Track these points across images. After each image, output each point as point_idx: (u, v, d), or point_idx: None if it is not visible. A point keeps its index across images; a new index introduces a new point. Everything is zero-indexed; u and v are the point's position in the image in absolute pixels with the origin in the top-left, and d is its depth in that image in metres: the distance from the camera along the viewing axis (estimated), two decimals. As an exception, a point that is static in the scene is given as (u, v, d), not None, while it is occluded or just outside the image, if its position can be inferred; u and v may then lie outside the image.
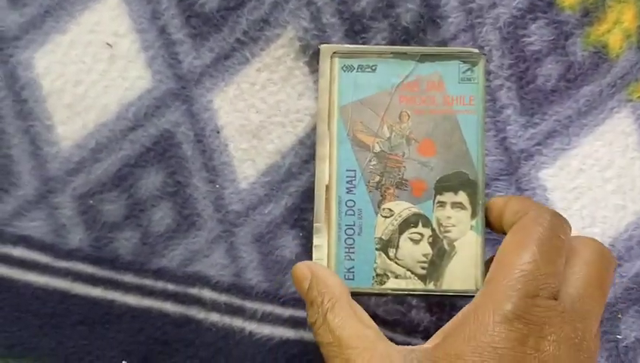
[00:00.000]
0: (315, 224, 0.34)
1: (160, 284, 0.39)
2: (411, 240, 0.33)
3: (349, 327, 0.29)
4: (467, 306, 0.29)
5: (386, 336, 0.38)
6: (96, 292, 0.39)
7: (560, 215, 0.30)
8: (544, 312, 0.27)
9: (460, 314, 0.29)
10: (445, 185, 0.33)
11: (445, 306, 0.39)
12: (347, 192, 0.34)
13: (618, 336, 0.38)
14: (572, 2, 0.39)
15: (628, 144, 0.39)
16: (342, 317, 0.30)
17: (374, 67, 0.34)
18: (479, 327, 0.27)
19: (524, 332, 0.26)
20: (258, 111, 0.39)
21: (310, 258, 0.34)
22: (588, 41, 0.39)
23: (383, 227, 0.34)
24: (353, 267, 0.33)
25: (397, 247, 0.33)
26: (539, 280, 0.27)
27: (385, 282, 0.33)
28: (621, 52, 0.39)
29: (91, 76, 0.40)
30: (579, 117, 0.39)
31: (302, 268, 0.32)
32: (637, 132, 0.39)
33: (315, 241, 0.34)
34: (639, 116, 0.39)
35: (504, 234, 0.31)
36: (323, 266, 0.33)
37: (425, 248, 0.33)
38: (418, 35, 0.39)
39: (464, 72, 0.34)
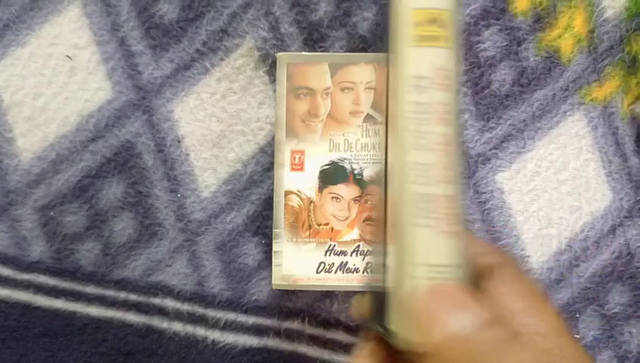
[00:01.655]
0: (274, 230, 0.35)
1: (122, 295, 0.39)
2: None
3: None
4: None
5: (348, 342, 0.39)
6: (58, 304, 0.39)
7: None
8: None
9: None
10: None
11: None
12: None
13: (576, 336, 0.39)
14: (524, 8, 0.40)
15: (582, 146, 0.40)
16: None
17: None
18: None
19: None
20: (219, 120, 0.40)
21: (271, 264, 0.34)
22: (541, 47, 0.40)
23: None
24: None
25: None
26: None
27: None
28: (572, 56, 0.40)
29: (52, 88, 0.40)
30: (534, 121, 0.40)
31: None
32: (590, 135, 0.40)
33: (275, 247, 0.34)
34: (592, 119, 0.40)
35: None
36: None
37: None
38: (375, 43, 0.40)
39: None
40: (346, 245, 0.34)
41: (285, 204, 0.35)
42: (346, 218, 0.35)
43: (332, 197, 0.35)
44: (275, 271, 0.34)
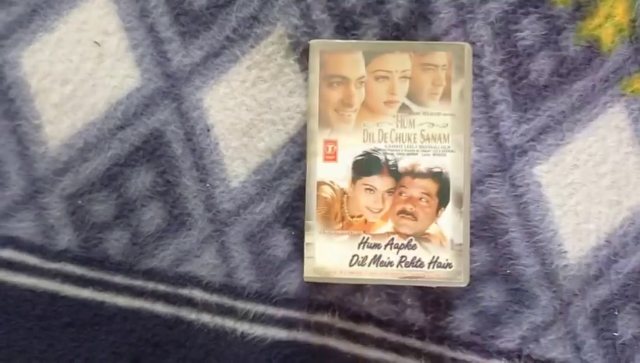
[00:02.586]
0: (306, 222, 0.34)
1: (150, 285, 0.39)
2: None
3: None
4: None
5: (380, 336, 0.38)
6: (85, 293, 0.39)
7: None
8: None
9: None
10: None
11: (440, 305, 0.38)
12: None
13: (615, 334, 0.38)
14: (564, -3, 0.39)
15: (622, 139, 0.39)
16: None
17: None
18: None
19: None
20: (248, 109, 0.39)
21: (302, 257, 0.34)
22: (581, 36, 0.39)
23: None
24: None
25: None
26: None
27: None
28: (613, 46, 0.39)
29: (79, 74, 0.39)
30: (573, 112, 0.39)
31: None
32: (631, 127, 0.39)
33: (307, 239, 0.34)
34: (632, 111, 0.39)
35: None
36: None
37: None
38: (409, 31, 0.39)
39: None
40: (379, 238, 0.34)
41: (318, 195, 0.34)
42: (380, 211, 0.34)
43: (366, 189, 0.34)
44: (307, 264, 0.34)
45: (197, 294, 0.39)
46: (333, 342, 0.38)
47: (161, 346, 0.38)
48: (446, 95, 0.34)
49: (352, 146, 0.34)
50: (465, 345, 0.38)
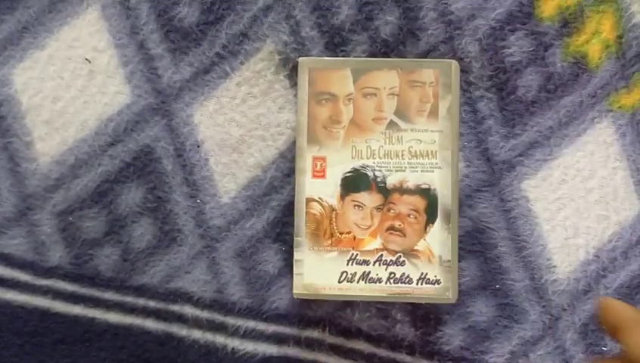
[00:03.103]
0: (295, 238, 0.34)
1: (141, 301, 0.39)
2: None
3: None
4: None
5: (370, 352, 0.38)
6: (76, 310, 0.39)
7: None
8: None
9: None
10: None
11: (430, 320, 0.39)
12: None
13: (604, 348, 0.38)
14: (551, 13, 0.39)
15: (609, 154, 0.39)
16: None
17: None
18: None
19: None
20: (238, 125, 0.39)
21: (292, 272, 0.34)
22: (568, 52, 0.39)
23: None
24: None
25: None
26: None
27: None
28: (600, 62, 0.39)
29: (70, 91, 0.39)
30: (560, 128, 0.39)
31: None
32: (618, 142, 0.39)
33: (296, 255, 0.34)
34: (620, 126, 0.39)
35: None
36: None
37: None
38: (398, 47, 0.39)
39: None
40: (368, 254, 0.34)
41: (306, 212, 0.34)
42: (369, 227, 0.34)
43: (354, 205, 0.34)
44: (297, 280, 0.34)
45: (188, 310, 0.39)
46: (323, 357, 0.39)
47: (151, 362, 0.38)
48: (434, 112, 0.34)
49: (340, 162, 0.34)
50: (455, 361, 0.38)
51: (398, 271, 0.34)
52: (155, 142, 0.39)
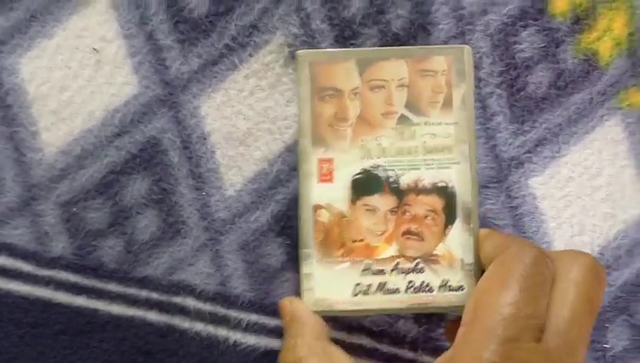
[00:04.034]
0: (303, 251, 0.31)
1: (143, 293, 0.38)
2: None
3: None
4: (446, 353, 0.28)
5: (372, 347, 0.38)
6: (79, 301, 0.38)
7: (543, 251, 0.28)
8: (526, 356, 0.25)
9: (438, 361, 0.28)
10: None
11: (433, 316, 0.38)
12: None
13: (605, 346, 0.38)
14: (563, 9, 0.39)
15: (617, 153, 0.39)
16: None
17: None
18: None
19: None
20: (245, 118, 0.39)
21: (296, 266, 0.34)
22: (579, 49, 0.39)
23: None
24: None
25: None
26: (521, 322, 0.25)
27: None
28: (611, 60, 0.39)
29: (77, 81, 0.39)
30: (569, 125, 0.39)
31: (284, 305, 0.32)
32: (627, 140, 0.39)
33: (305, 269, 0.31)
34: (629, 124, 0.39)
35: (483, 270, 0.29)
36: (304, 305, 0.32)
37: None
38: (409, 41, 0.39)
39: None
40: (383, 263, 0.31)
41: (314, 221, 0.31)
42: (383, 233, 0.32)
43: (366, 210, 0.32)
44: (307, 296, 0.31)
45: (191, 302, 0.38)
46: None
47: (154, 354, 0.38)
48: (448, 103, 0.32)
49: (349, 164, 0.32)
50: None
51: (417, 279, 0.31)
52: (162, 134, 0.39)
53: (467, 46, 0.32)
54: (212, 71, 0.39)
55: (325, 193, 0.32)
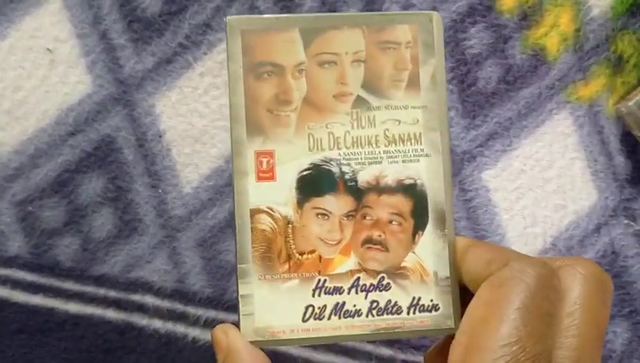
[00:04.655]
0: (239, 266, 0.25)
1: (101, 291, 0.39)
2: None
3: None
4: None
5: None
6: (36, 300, 0.38)
7: (547, 265, 0.23)
8: None
9: None
10: None
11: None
12: None
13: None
14: (510, 6, 0.39)
15: (567, 145, 0.40)
16: None
17: None
18: None
19: None
20: (201, 115, 0.39)
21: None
22: (527, 45, 0.40)
23: None
24: None
25: None
26: None
27: None
28: (558, 55, 0.40)
29: (31, 81, 0.39)
30: (520, 119, 0.40)
31: (218, 339, 0.26)
32: (576, 133, 0.40)
33: (242, 289, 0.25)
34: (577, 118, 0.40)
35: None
36: (242, 338, 0.25)
37: None
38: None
39: None
40: (340, 279, 0.26)
41: (252, 228, 0.25)
42: (338, 242, 0.26)
43: (317, 214, 0.26)
44: (245, 323, 0.25)
45: (149, 300, 0.39)
46: (284, 346, 0.39)
47: (112, 352, 0.38)
48: (414, 82, 0.26)
49: (294, 157, 0.26)
50: (416, 348, 0.39)
51: (382, 298, 0.26)
52: (116, 132, 0.39)
53: (435, 12, 0.27)
54: (167, 70, 0.39)
55: (265, 195, 0.26)
